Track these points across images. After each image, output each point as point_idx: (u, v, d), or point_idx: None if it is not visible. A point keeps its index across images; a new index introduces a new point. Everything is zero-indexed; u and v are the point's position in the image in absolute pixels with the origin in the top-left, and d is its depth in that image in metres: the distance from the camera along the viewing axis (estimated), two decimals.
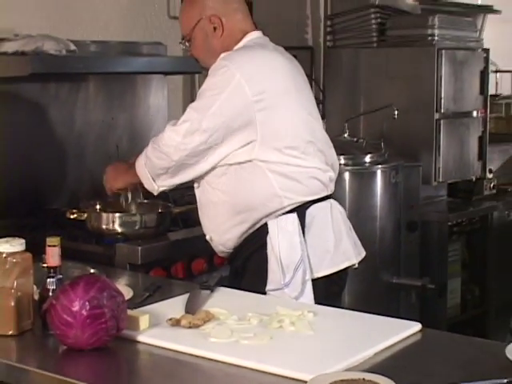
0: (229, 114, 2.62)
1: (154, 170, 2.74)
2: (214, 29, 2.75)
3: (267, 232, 2.71)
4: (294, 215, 2.71)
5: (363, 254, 2.94)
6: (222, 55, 2.71)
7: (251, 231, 2.75)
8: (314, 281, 2.70)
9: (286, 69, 2.79)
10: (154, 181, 2.77)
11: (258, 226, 2.73)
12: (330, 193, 2.85)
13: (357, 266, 2.88)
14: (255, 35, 2.82)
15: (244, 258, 2.79)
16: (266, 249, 2.71)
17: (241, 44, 2.77)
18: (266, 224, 2.72)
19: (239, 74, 2.61)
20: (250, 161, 2.67)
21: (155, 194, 2.86)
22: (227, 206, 2.74)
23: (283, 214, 2.71)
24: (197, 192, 2.85)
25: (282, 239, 2.68)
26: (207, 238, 2.88)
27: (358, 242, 2.94)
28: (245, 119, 2.63)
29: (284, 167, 2.69)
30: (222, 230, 2.80)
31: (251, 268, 2.76)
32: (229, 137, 2.63)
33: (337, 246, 2.80)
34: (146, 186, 2.82)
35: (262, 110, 2.64)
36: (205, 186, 2.78)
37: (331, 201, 2.85)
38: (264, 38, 2.87)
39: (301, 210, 2.73)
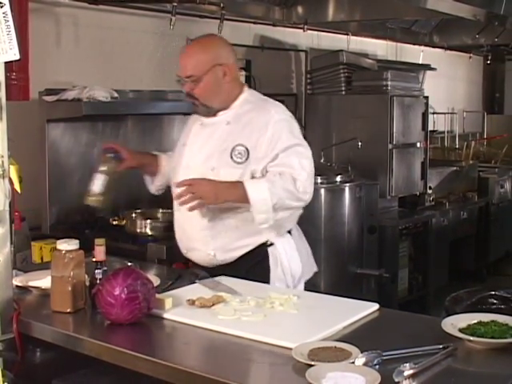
0: None
1: (282, 207, 2.39)
2: (224, 75, 2.50)
3: (267, 246, 2.53)
4: (289, 235, 2.60)
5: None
6: (273, 110, 2.50)
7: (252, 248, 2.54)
8: None
9: None
10: (275, 215, 2.39)
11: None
12: None
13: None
14: (247, 87, 2.64)
15: (244, 270, 2.48)
16: (267, 261, 2.53)
17: (246, 93, 2.58)
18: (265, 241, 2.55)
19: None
20: None
21: (266, 226, 2.42)
22: (240, 231, 2.51)
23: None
24: (207, 213, 2.48)
25: (289, 254, 2.56)
26: (211, 253, 2.53)
27: None
28: None
29: None
30: (229, 249, 2.53)
31: (253, 277, 2.42)
32: None
33: (307, 255, 2.71)
34: (259, 219, 2.38)
35: None
36: (225, 210, 2.47)
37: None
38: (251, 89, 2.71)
39: (289, 231, 2.61)
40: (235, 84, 2.57)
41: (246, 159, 2.45)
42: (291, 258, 2.57)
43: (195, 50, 2.54)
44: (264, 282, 2.43)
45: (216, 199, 2.38)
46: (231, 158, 2.46)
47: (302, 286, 2.64)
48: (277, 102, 2.61)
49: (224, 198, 2.39)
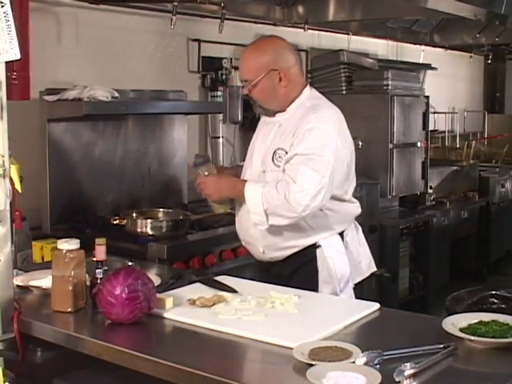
0: (336, 171, 2.44)
1: (274, 214, 2.41)
2: (280, 79, 2.50)
3: (315, 248, 2.54)
4: (339, 238, 2.58)
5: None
6: (313, 116, 2.44)
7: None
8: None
9: (344, 121, 2.59)
10: (268, 220, 2.43)
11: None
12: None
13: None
14: (308, 88, 2.60)
15: (292, 269, 2.55)
16: (315, 262, 2.54)
17: (304, 95, 2.56)
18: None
19: (336, 134, 2.45)
20: None
21: (262, 228, 2.47)
22: (289, 232, 2.51)
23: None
24: None
25: (336, 257, 2.53)
26: (260, 250, 2.60)
27: None
28: (344, 173, 2.51)
29: (337, 205, 2.54)
30: (278, 248, 2.56)
31: (300, 278, 2.50)
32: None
33: (363, 257, 2.70)
34: (254, 220, 2.46)
35: (348, 164, 2.52)
36: None
37: (355, 222, 2.71)
38: (312, 89, 2.64)
39: (341, 233, 2.60)
40: (293, 87, 2.54)
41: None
42: (338, 261, 2.54)
43: (251, 55, 2.56)
44: (311, 284, 2.46)
45: (219, 196, 2.60)
46: (273, 160, 2.51)
47: (349, 289, 2.59)
48: (326, 106, 2.55)
49: (225, 195, 2.59)
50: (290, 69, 2.53)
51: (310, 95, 2.58)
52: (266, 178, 2.52)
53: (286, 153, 2.46)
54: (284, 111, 2.57)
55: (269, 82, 2.50)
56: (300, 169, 2.38)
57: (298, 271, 2.55)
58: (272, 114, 2.60)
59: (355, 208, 2.66)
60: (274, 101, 2.56)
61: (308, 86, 2.61)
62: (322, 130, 2.44)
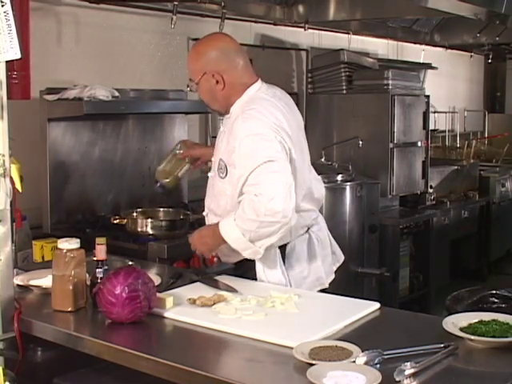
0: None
1: (261, 238, 2.25)
2: (217, 82, 2.41)
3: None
4: (276, 249, 2.44)
5: (341, 260, 2.71)
6: (245, 123, 2.32)
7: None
8: None
9: (288, 124, 2.40)
10: (258, 247, 2.29)
11: None
12: (310, 226, 2.55)
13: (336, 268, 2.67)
14: (255, 88, 2.46)
15: (240, 272, 2.51)
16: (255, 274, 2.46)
17: (245, 98, 2.43)
18: None
19: (272, 134, 2.29)
20: None
21: (259, 256, 2.34)
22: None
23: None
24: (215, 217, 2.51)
25: (267, 269, 2.43)
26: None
27: (338, 251, 2.71)
28: None
29: None
30: (225, 254, 2.51)
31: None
32: None
33: (312, 272, 2.52)
34: (248, 255, 2.32)
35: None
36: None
37: (310, 231, 2.55)
38: (262, 87, 2.48)
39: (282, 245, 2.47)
40: (232, 89, 2.43)
41: (226, 175, 2.39)
42: (268, 270, 2.44)
43: (190, 56, 2.54)
44: None
45: (209, 250, 2.47)
46: (218, 170, 2.44)
47: None
48: (256, 109, 2.35)
49: (212, 245, 2.43)
50: (226, 71, 2.41)
51: (250, 98, 2.43)
52: (215, 189, 2.47)
53: (225, 165, 2.37)
54: (229, 113, 2.47)
55: (206, 84, 2.44)
56: (260, 181, 2.22)
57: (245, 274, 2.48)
58: (220, 114, 2.55)
59: (305, 215, 2.49)
60: (215, 103, 2.49)
61: (254, 86, 2.46)
62: (256, 137, 2.28)
